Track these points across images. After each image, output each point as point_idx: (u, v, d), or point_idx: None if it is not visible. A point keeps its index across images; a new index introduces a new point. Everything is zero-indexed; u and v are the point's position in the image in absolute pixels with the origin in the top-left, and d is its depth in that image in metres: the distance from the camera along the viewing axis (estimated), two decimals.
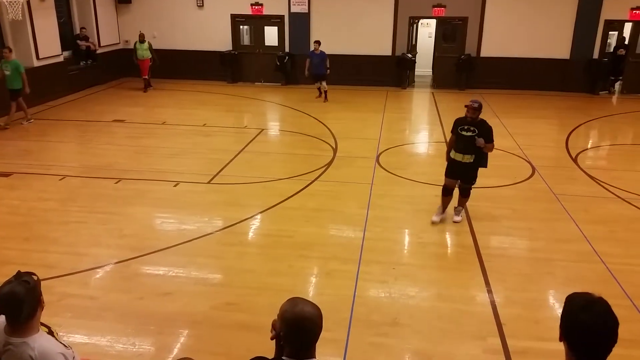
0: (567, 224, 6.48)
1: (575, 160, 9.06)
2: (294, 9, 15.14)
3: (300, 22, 15.16)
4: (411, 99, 14.90)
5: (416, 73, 16.09)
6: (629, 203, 7.14)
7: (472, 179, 6.41)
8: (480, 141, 6.09)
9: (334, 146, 9.63)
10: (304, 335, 2.07)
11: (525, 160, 8.93)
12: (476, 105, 6.15)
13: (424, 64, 16.76)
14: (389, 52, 15.12)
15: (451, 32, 15.26)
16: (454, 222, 6.51)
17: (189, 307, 4.73)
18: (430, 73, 16.27)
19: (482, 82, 14.80)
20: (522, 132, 10.67)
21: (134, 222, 6.46)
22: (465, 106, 6.22)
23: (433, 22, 15.74)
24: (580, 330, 1.85)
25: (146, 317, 4.57)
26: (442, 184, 6.57)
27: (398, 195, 7.45)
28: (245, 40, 16.10)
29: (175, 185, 7.65)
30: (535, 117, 12.23)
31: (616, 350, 4.49)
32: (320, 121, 11.46)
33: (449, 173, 6.50)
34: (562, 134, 10.71)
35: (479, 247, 5.91)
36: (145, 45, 14.22)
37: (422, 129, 12.05)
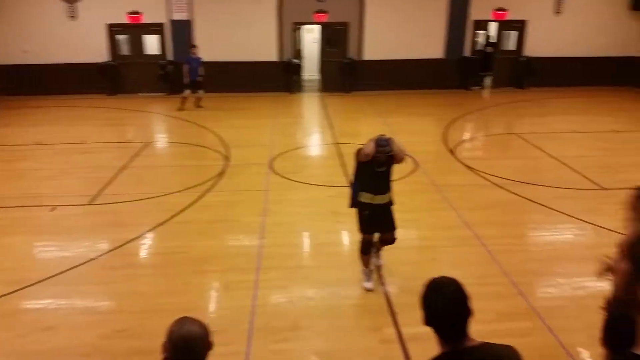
0: (449, 212, 6.92)
1: (453, 152, 9.71)
2: (175, 17, 14.72)
3: (183, 30, 14.78)
4: (300, 104, 15.11)
5: (304, 78, 16.35)
6: (503, 188, 7.78)
7: (394, 221, 5.11)
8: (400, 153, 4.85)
9: (225, 155, 9.48)
10: (190, 355, 2.07)
11: (409, 156, 9.39)
12: (385, 141, 4.73)
13: (310, 68, 17.08)
14: (275, 58, 15.21)
15: (334, 37, 15.69)
16: (377, 265, 5.41)
17: (76, 340, 4.39)
18: (318, 77, 16.61)
19: (366, 85, 15.37)
20: (404, 129, 11.21)
21: (9, 254, 5.88)
22: (377, 147, 4.68)
23: (317, 27, 16.09)
24: (430, 310, 2.07)
25: (29, 356, 4.19)
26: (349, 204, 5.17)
27: (294, 199, 7.51)
28: (124, 50, 15.35)
29: (52, 210, 7.06)
30: (416, 115, 12.95)
31: (496, 325, 4.83)
32: (210, 130, 11.24)
33: (368, 226, 5.06)
34: (441, 128, 11.42)
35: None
36: None
37: (313, 132, 12.25)
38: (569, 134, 10.87)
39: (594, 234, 6.32)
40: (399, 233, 6.48)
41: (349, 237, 6.40)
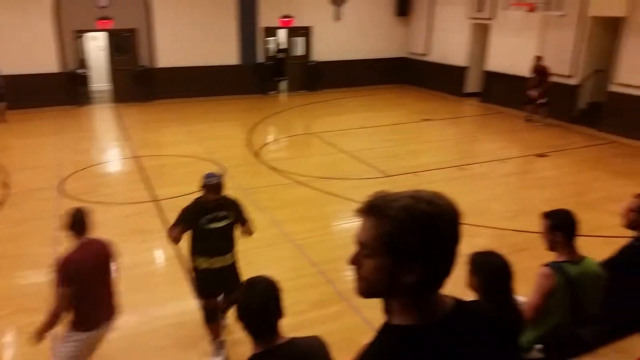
0: (258, 214, 7.01)
1: (257, 155, 9.95)
2: None
3: None
4: (91, 117, 13.97)
5: (93, 88, 15.13)
6: (305, 185, 8.23)
7: (240, 279, 4.11)
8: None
9: (3, 181, 8.28)
10: None
11: (214, 162, 9.36)
12: (216, 180, 4.07)
13: (101, 78, 15.85)
14: (55, 69, 13.76)
15: (123, 44, 14.79)
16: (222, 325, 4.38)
17: None
18: (109, 87, 15.52)
19: (167, 93, 14.82)
20: (209, 136, 11.16)
21: None
22: (206, 185, 4.06)
23: (101, 35, 14.99)
24: (243, 307, 2.16)
25: None
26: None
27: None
28: None
29: None
30: (219, 121, 12.96)
31: (311, 314, 5.07)
32: None
33: (208, 290, 4.13)
34: (244, 133, 11.61)
35: (181, 255, 5.93)
36: None
37: (109, 146, 11.39)
38: (358, 130, 11.98)
39: None
40: None
41: (158, 255, 6.15)
